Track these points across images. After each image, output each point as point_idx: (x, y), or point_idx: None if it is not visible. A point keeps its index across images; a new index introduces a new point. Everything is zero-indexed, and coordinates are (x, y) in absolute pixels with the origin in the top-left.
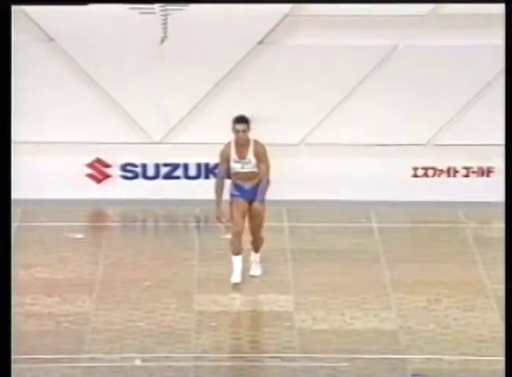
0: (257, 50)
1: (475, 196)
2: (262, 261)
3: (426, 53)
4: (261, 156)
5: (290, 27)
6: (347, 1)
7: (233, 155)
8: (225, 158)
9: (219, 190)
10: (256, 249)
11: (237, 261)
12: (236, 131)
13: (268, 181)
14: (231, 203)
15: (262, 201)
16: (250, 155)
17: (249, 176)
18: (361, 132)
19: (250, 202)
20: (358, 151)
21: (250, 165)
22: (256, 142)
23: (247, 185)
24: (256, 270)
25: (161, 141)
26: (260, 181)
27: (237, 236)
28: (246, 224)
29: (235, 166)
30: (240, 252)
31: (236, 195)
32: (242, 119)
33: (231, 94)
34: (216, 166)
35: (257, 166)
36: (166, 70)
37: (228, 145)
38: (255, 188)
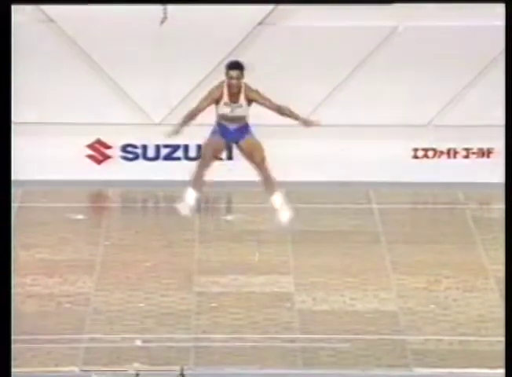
0: (257, 31)
1: (475, 177)
2: (263, 242)
3: (426, 34)
4: (255, 97)
5: (291, 7)
6: (346, 2)
7: (225, 99)
8: (215, 98)
9: (187, 117)
10: (270, 190)
11: (191, 193)
12: (230, 77)
13: (280, 108)
14: (207, 140)
15: (250, 137)
16: (242, 100)
17: (235, 119)
18: (361, 113)
19: (236, 142)
20: (358, 132)
21: (240, 109)
22: (247, 86)
23: (232, 126)
24: (284, 213)
25: (161, 122)
26: (246, 123)
27: (200, 168)
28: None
29: (225, 110)
30: (196, 186)
31: (215, 133)
32: (236, 65)
33: None
34: None
35: (248, 109)
36: (167, 51)
37: (220, 86)
38: (239, 129)
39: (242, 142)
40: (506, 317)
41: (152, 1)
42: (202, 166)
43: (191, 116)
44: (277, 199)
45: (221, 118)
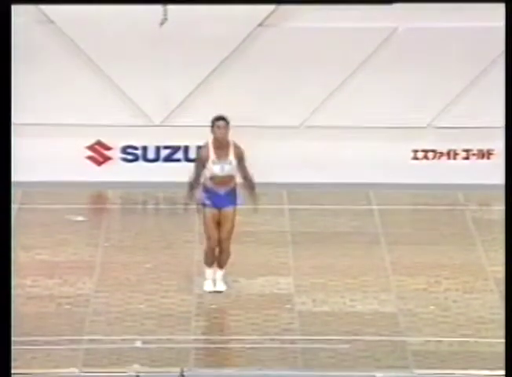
0: (257, 32)
1: (475, 179)
2: (263, 243)
3: (426, 36)
4: (243, 157)
5: (291, 9)
6: (346, 2)
7: (212, 156)
8: (204, 160)
9: (194, 184)
10: (221, 265)
11: (209, 273)
12: (217, 127)
13: (252, 182)
14: (204, 215)
15: (235, 206)
16: (231, 157)
17: (225, 180)
18: (361, 114)
19: (221, 208)
20: (358, 133)
21: (230, 167)
22: (235, 144)
23: (222, 191)
24: (221, 286)
25: (161, 124)
26: (235, 186)
27: (211, 249)
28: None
29: (214, 169)
30: (213, 264)
31: (208, 205)
32: (223, 117)
33: (231, 77)
34: None
35: (238, 168)
36: (167, 52)
37: (205, 147)
38: (229, 194)
39: (227, 208)
40: (506, 318)
41: (152, 1)
42: (212, 249)
43: (195, 182)
44: (220, 275)
45: (211, 181)
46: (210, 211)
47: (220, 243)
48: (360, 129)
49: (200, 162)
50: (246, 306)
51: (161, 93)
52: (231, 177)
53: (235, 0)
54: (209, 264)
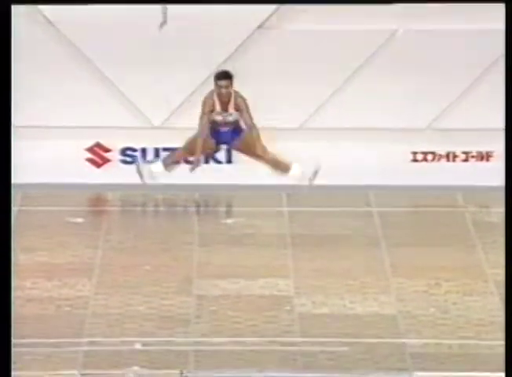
0: (256, 34)
1: (474, 181)
2: (262, 245)
3: (425, 38)
4: (242, 108)
5: (291, 11)
6: (345, 2)
7: (217, 108)
8: (209, 109)
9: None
10: (284, 169)
11: (159, 166)
12: (219, 87)
13: (254, 127)
14: (198, 136)
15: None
16: (231, 109)
17: (228, 123)
18: (361, 116)
19: (228, 144)
20: (358, 135)
21: (231, 117)
22: (236, 95)
23: (224, 129)
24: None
25: (161, 126)
26: (238, 125)
27: (180, 155)
28: None
29: (217, 117)
30: (167, 166)
31: (206, 134)
32: (225, 75)
33: None
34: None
35: (240, 118)
36: (166, 54)
37: (211, 96)
38: (232, 131)
39: (237, 143)
40: (506, 321)
41: (152, 1)
42: (184, 155)
43: (203, 132)
44: (295, 169)
45: (213, 123)
46: (206, 137)
47: (265, 161)
48: (360, 130)
49: (207, 111)
50: (245, 308)
51: (160, 95)
52: (234, 122)
53: (236, 0)
54: (165, 163)
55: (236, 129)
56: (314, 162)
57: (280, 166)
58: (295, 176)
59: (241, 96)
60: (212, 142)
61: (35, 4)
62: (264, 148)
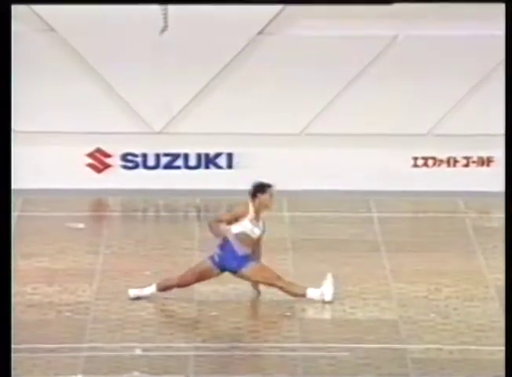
0: (257, 40)
1: (475, 186)
2: (263, 250)
3: (426, 43)
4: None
5: (291, 16)
6: (346, 2)
7: (251, 215)
8: (239, 216)
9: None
10: (301, 292)
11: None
12: (270, 196)
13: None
14: (199, 265)
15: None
16: (261, 223)
17: (249, 243)
18: (362, 122)
19: (235, 271)
20: (358, 141)
21: (259, 232)
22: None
23: (241, 251)
24: (327, 292)
25: (161, 131)
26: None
27: (174, 283)
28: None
29: (247, 227)
30: (160, 289)
31: (214, 262)
32: (270, 184)
33: (231, 84)
34: (216, 156)
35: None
36: (167, 60)
37: (246, 206)
38: (247, 256)
39: (246, 270)
40: (506, 326)
41: (152, 1)
42: (177, 284)
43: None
44: (311, 294)
45: (236, 238)
46: (209, 265)
47: (281, 289)
48: (360, 136)
49: (233, 219)
50: (246, 313)
51: (161, 101)
52: (257, 240)
53: (236, 0)
54: (160, 288)
55: (251, 255)
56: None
57: (295, 290)
58: (314, 299)
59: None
60: (214, 273)
61: (35, 4)
62: (276, 274)
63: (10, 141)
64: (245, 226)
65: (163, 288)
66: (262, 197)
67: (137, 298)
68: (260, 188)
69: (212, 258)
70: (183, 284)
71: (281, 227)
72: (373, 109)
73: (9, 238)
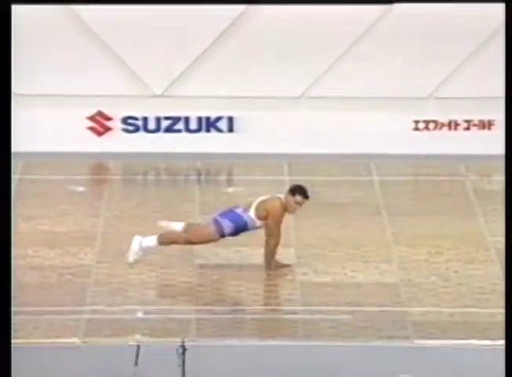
0: (257, 3)
1: (476, 149)
2: None
3: (427, 7)
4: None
5: None
6: (346, 2)
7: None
8: (282, 214)
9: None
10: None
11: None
12: (297, 203)
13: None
14: (206, 226)
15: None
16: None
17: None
18: (362, 85)
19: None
20: (359, 104)
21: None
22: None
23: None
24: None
25: (162, 94)
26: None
27: (177, 239)
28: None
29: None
30: (161, 242)
31: (219, 222)
32: (307, 195)
33: (232, 46)
34: (217, 119)
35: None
36: (168, 23)
37: (280, 204)
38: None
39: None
40: (506, 289)
41: (153, 1)
42: (181, 241)
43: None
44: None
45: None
46: (213, 230)
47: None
48: (361, 99)
49: (280, 216)
50: (247, 277)
51: (162, 64)
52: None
53: (236, 0)
54: (159, 240)
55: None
56: None
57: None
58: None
59: None
60: (216, 238)
61: (35, 4)
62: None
63: (10, 104)
64: None
65: (164, 241)
66: (300, 200)
67: (140, 252)
68: (303, 192)
69: (218, 223)
70: (184, 243)
71: (282, 191)
72: (374, 72)
73: (10, 201)
